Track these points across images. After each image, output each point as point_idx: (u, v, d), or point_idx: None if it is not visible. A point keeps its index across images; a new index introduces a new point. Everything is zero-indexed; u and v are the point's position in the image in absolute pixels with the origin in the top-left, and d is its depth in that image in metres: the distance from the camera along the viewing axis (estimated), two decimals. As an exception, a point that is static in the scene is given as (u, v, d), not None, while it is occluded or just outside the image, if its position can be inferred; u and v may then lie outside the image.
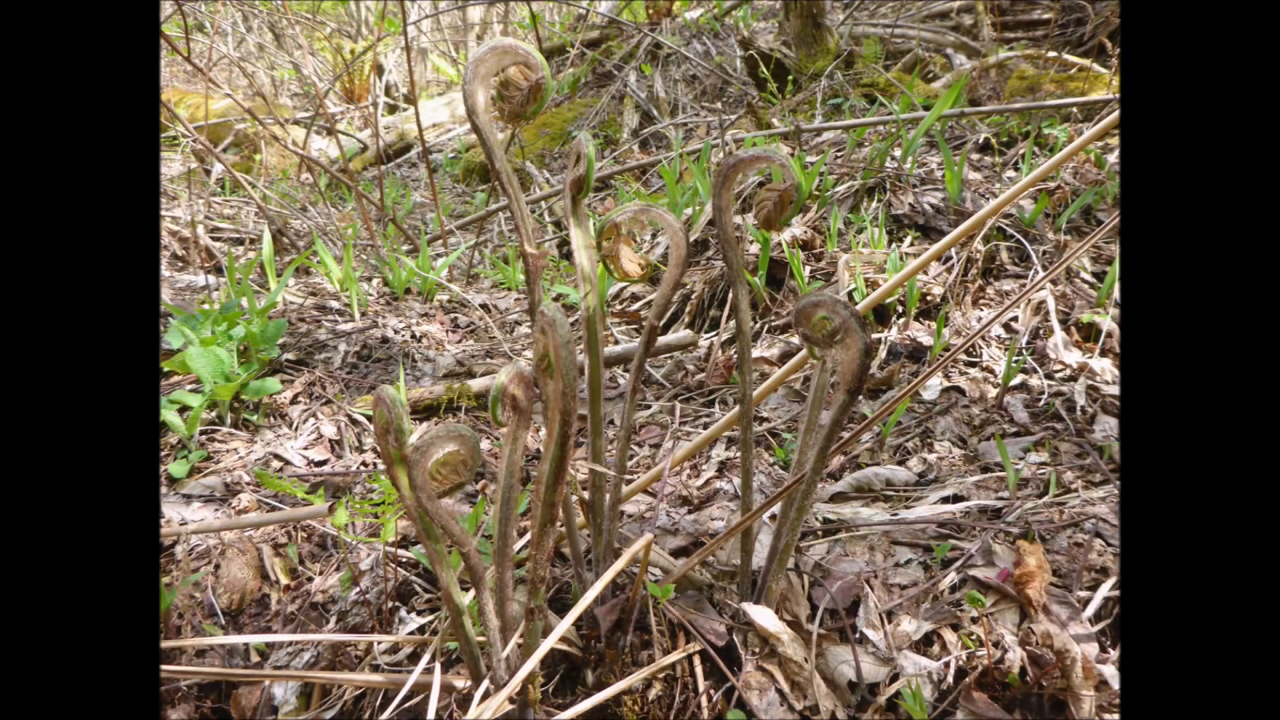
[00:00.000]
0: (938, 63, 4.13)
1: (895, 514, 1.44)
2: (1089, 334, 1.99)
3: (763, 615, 1.17)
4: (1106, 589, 1.20)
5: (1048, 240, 2.24)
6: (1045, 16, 4.60)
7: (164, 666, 1.08)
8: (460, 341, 2.41)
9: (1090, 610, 1.17)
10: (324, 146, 6.61)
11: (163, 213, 3.58)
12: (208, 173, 4.40)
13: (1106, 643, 1.16)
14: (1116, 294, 2.07)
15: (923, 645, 1.16)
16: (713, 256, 2.44)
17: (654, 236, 2.80)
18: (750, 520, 1.19)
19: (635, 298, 2.48)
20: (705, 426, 1.82)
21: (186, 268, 3.29)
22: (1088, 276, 2.23)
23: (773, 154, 1.10)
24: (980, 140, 2.83)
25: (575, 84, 6.17)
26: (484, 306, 2.73)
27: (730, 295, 2.30)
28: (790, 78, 3.66)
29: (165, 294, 2.71)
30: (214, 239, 3.80)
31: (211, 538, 1.46)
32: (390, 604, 1.32)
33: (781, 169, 1.09)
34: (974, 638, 1.15)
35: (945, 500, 1.48)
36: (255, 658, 1.29)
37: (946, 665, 1.12)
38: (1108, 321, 1.97)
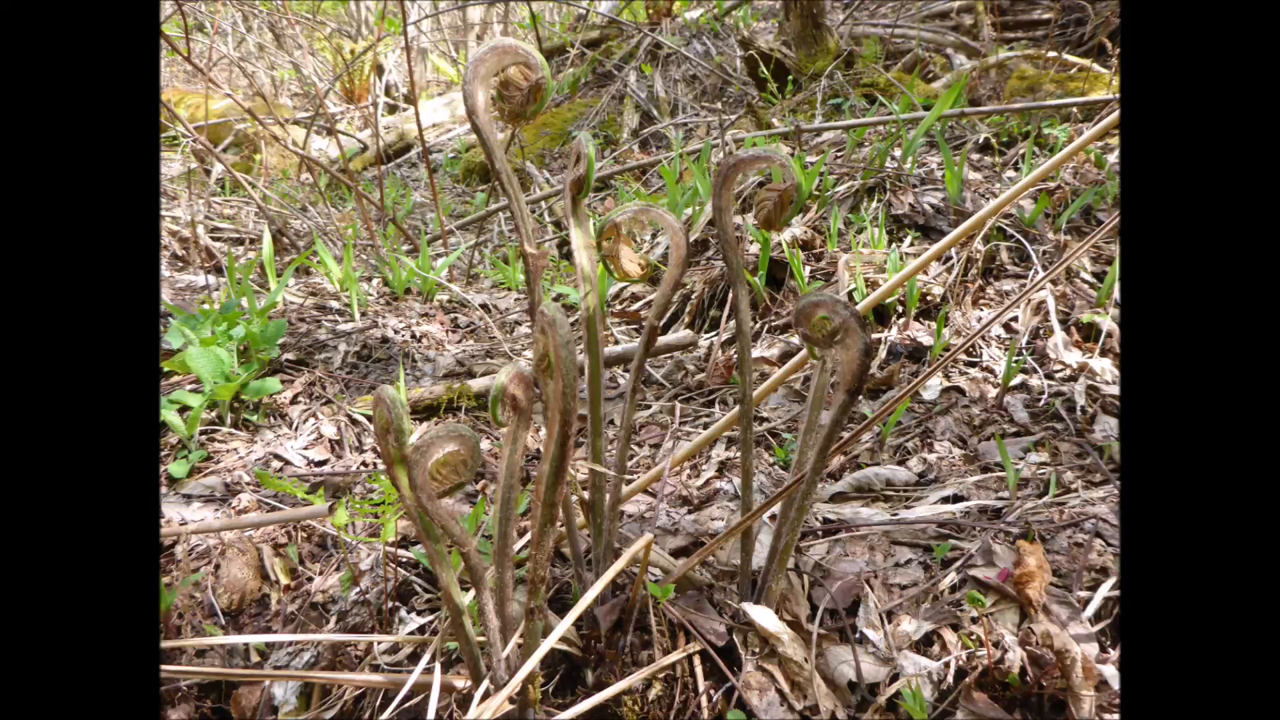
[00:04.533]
0: (938, 63, 4.13)
1: (895, 514, 1.44)
2: (1089, 334, 1.99)
3: (763, 615, 1.17)
4: (1106, 589, 1.20)
5: (1048, 240, 2.24)
6: (1045, 16, 4.60)
7: (164, 666, 1.08)
8: (460, 341, 2.41)
9: (1090, 610, 1.17)
10: (324, 146, 6.61)
11: (163, 213, 3.58)
12: (208, 173, 4.41)
13: (1106, 643, 1.16)
14: (1116, 294, 2.07)
15: (923, 645, 1.16)
16: (713, 256, 2.44)
17: (654, 236, 2.80)
18: (750, 520, 1.19)
19: (635, 298, 2.48)
20: (705, 426, 1.82)
21: (186, 268, 3.29)
22: (1088, 277, 2.23)
23: (773, 154, 1.10)
24: (980, 140, 2.83)
25: (575, 84, 6.17)
26: (484, 306, 2.73)
27: (730, 295, 2.30)
28: (790, 78, 3.66)
29: (165, 294, 2.71)
30: (214, 239, 3.80)
31: (211, 538, 1.46)
32: (390, 604, 1.32)
33: (782, 169, 1.09)
34: (974, 638, 1.15)
35: (945, 500, 1.48)
36: (255, 658, 1.29)
37: (946, 665, 1.12)
38: (1108, 321, 1.97)
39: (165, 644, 1.16)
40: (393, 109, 7.88)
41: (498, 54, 1.06)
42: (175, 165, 5.43)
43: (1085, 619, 1.16)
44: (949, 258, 2.18)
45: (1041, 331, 2.04)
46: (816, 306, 1.07)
